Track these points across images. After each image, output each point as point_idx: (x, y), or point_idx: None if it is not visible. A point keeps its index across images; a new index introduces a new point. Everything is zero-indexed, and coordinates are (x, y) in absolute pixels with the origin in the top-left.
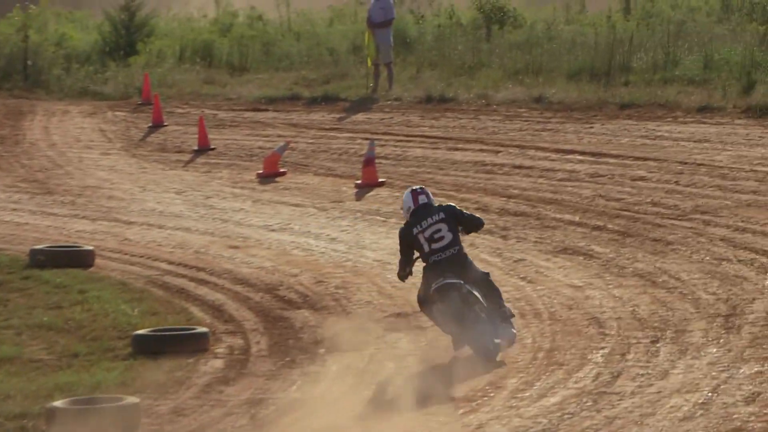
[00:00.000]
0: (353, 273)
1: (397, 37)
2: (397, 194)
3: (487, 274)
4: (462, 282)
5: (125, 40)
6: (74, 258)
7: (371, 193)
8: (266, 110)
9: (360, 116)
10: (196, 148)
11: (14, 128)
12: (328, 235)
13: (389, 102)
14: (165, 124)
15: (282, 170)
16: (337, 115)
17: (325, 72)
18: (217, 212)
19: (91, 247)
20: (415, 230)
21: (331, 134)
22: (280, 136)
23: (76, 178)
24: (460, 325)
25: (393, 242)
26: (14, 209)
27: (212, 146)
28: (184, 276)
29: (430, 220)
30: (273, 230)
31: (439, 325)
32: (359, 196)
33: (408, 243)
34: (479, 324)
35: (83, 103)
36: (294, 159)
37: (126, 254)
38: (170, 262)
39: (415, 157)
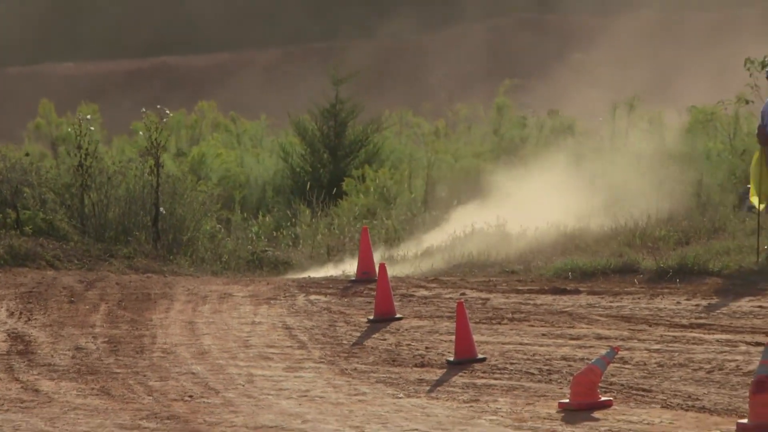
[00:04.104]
0: None
1: None
2: None
3: None
4: None
5: (329, 169)
6: None
7: None
8: (576, 292)
9: (744, 303)
10: (451, 358)
11: (136, 325)
12: None
13: None
14: (398, 316)
15: (605, 399)
16: (704, 302)
17: (681, 225)
18: None
19: None
20: None
21: (693, 335)
22: (600, 338)
23: (244, 413)
24: None
25: None
26: None
27: (480, 355)
28: None
29: None
30: None
31: None
32: None
33: None
34: None
35: (255, 280)
36: (626, 379)
37: None
38: None
39: None
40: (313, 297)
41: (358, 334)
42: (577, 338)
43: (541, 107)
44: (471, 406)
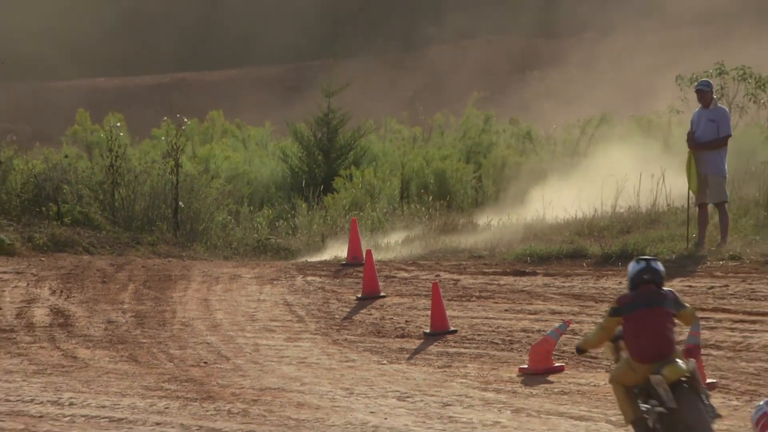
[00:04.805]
0: None
1: (735, 164)
2: (735, 403)
3: None
4: None
5: (323, 169)
6: None
7: None
8: (534, 273)
9: (677, 283)
10: (428, 330)
11: (159, 302)
12: None
13: (722, 262)
14: (382, 294)
15: (558, 365)
16: None
17: (623, 216)
18: (462, 427)
19: None
20: None
21: None
22: (554, 313)
23: (251, 377)
24: None
25: None
26: (158, 423)
27: (452, 328)
28: None
29: None
30: None
31: None
32: None
33: None
34: None
35: (260, 263)
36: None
37: None
38: None
39: (763, 347)
40: (309, 278)
41: (348, 310)
42: (535, 313)
43: (505, 117)
44: (444, 371)
